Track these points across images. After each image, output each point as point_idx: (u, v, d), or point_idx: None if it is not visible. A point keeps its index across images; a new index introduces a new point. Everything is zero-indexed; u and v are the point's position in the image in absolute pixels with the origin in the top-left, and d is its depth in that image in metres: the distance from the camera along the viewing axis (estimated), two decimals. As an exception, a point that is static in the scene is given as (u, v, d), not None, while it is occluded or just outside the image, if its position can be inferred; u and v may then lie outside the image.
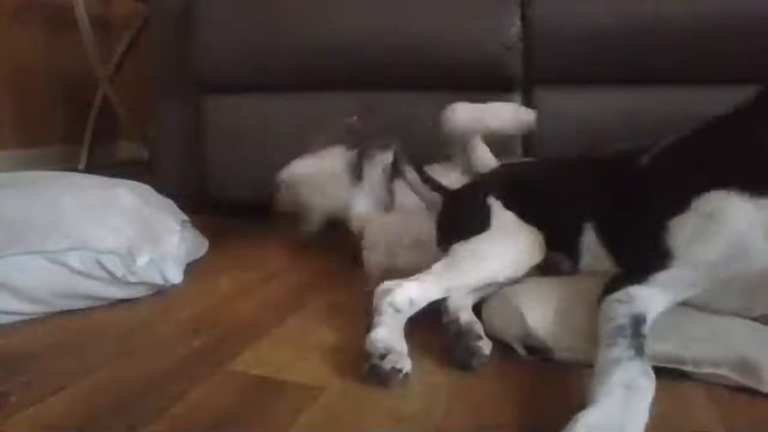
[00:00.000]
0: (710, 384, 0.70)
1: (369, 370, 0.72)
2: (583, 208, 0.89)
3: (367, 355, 0.73)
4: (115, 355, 0.81)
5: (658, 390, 0.69)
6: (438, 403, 0.67)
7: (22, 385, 0.72)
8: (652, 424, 0.63)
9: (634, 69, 1.35)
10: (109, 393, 0.70)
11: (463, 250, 0.88)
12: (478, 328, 0.81)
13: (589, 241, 0.87)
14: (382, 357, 0.72)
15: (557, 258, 0.91)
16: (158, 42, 1.74)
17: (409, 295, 0.80)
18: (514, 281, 0.87)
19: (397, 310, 0.79)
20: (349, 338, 0.84)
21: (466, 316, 0.82)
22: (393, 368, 0.72)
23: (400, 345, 0.75)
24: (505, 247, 0.88)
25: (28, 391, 0.71)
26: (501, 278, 0.86)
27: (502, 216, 0.92)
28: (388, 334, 0.75)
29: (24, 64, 2.67)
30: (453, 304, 0.83)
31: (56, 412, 0.66)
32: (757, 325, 0.75)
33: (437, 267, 0.86)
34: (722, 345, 0.71)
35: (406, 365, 0.73)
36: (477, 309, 0.87)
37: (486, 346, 0.78)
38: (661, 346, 0.71)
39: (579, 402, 0.67)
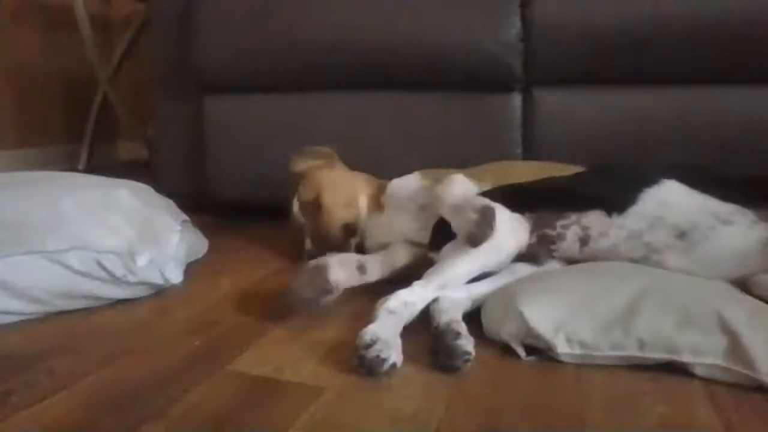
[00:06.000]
0: (709, 383, 0.70)
1: (357, 362, 0.73)
2: None
3: (355, 348, 0.74)
4: (115, 355, 0.81)
5: (658, 390, 0.70)
6: (438, 403, 0.67)
7: (23, 385, 0.72)
8: (651, 423, 0.63)
9: (633, 69, 1.35)
10: (109, 393, 0.70)
11: (450, 246, 0.92)
12: (458, 327, 0.78)
13: None
14: (368, 347, 0.73)
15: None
16: (158, 42, 1.74)
17: (402, 299, 0.83)
18: (504, 266, 0.91)
19: (391, 312, 0.81)
20: (349, 338, 0.83)
21: (447, 317, 0.80)
22: (378, 357, 0.72)
23: (390, 338, 0.76)
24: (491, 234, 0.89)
25: (28, 391, 0.71)
26: (490, 263, 0.89)
27: None
28: (377, 328, 0.76)
29: (24, 64, 2.67)
30: (438, 308, 0.83)
31: (56, 412, 0.66)
32: (748, 301, 0.79)
33: (429, 270, 0.88)
34: (716, 331, 0.72)
35: (393, 356, 0.73)
36: (476, 314, 0.87)
37: (467, 344, 0.76)
38: (658, 328, 0.73)
39: (578, 402, 0.68)
